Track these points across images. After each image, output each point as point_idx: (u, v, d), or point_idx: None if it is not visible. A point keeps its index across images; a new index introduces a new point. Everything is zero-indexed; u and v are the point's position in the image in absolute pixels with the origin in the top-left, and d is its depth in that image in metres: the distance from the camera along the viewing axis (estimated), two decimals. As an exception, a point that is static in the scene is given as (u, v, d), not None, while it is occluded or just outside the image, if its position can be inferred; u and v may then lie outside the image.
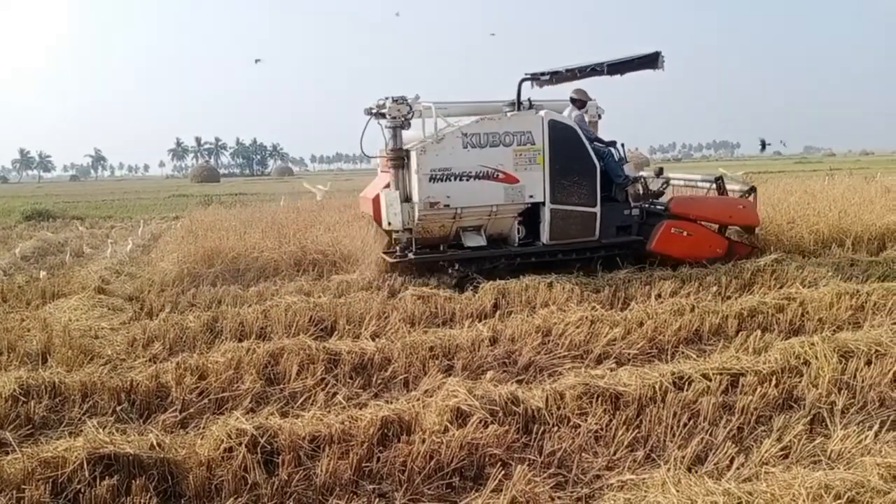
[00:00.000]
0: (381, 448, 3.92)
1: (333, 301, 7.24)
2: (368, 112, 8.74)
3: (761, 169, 43.80)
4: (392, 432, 4.06)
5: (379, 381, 5.09)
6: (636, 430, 4.09)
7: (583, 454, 3.90)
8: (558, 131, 8.53)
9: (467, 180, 8.28)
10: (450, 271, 8.57)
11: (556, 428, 4.14)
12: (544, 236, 8.73)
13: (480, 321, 6.42)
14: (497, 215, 8.61)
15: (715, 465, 3.70)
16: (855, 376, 4.75)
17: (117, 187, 58.06)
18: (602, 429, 4.13)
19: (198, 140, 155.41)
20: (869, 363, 4.95)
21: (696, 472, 3.59)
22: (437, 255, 8.62)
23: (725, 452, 3.77)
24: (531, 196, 8.56)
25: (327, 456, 3.75)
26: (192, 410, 4.62)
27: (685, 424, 4.11)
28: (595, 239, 8.91)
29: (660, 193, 9.66)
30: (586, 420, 4.18)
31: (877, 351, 5.12)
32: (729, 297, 7.20)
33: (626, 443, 3.95)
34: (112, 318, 7.30)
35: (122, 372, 5.32)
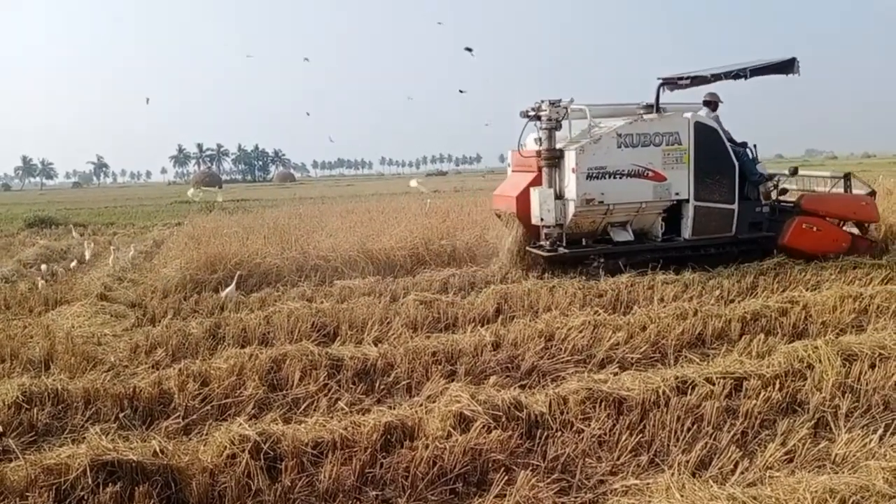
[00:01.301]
0: (384, 454, 3.91)
1: (336, 306, 7.24)
2: (525, 115, 9.26)
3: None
4: (395, 438, 4.05)
5: (382, 387, 5.08)
6: (640, 435, 4.07)
7: (586, 459, 3.88)
8: (702, 132, 9.06)
9: (620, 178, 8.77)
10: (594, 265, 8.91)
11: (559, 433, 4.13)
12: (686, 232, 9.22)
13: (483, 326, 6.42)
14: (644, 211, 9.12)
15: (719, 469, 3.69)
16: (859, 380, 4.73)
17: (119, 194, 58.17)
18: (605, 433, 4.12)
19: (199, 146, 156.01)
20: (873, 366, 4.93)
21: (701, 476, 3.57)
22: (588, 250, 9.07)
23: (730, 457, 3.76)
24: (677, 193, 9.06)
25: (330, 462, 3.75)
26: (194, 417, 4.62)
27: (689, 429, 4.10)
28: (731, 235, 9.41)
29: (784, 191, 10.12)
30: (590, 425, 4.17)
31: (880, 354, 5.10)
32: (732, 301, 7.20)
33: (629, 447, 3.94)
34: (115, 324, 7.30)
35: (124, 379, 5.32)
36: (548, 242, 9.00)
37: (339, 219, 13.96)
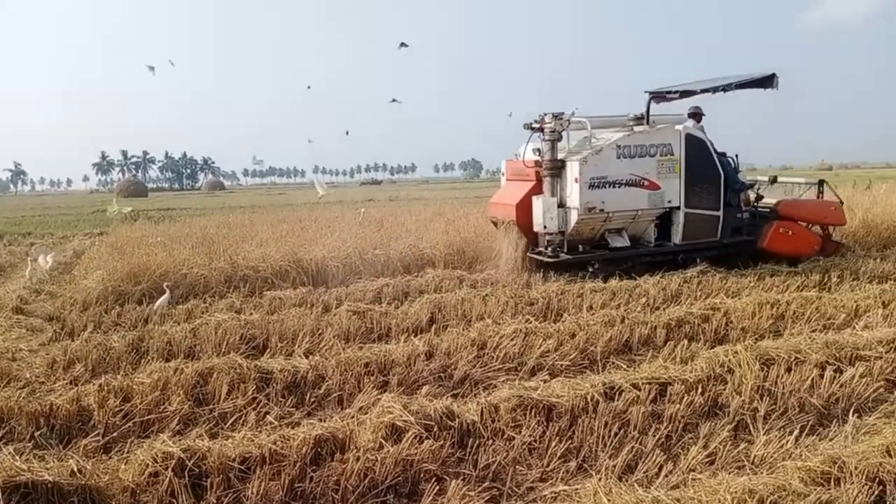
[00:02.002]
0: (314, 467, 3.85)
1: (265, 318, 7.11)
2: (528, 127, 9.67)
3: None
4: (326, 451, 4.00)
5: (312, 400, 5.01)
6: (569, 441, 4.14)
7: (517, 466, 3.92)
8: (693, 143, 9.69)
9: (619, 187, 9.30)
10: (590, 269, 9.43)
11: (490, 441, 4.16)
12: (677, 237, 9.83)
13: (416, 336, 6.41)
14: (639, 218, 9.67)
15: (645, 473, 3.78)
16: (776, 383, 4.93)
17: (38, 202, 55.70)
18: (536, 440, 4.16)
19: (124, 153, 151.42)
20: (789, 370, 5.14)
21: (627, 480, 3.66)
22: (588, 255, 9.55)
23: (654, 460, 3.86)
24: (669, 201, 9.63)
25: (258, 477, 3.67)
26: (115, 434, 4.45)
27: (616, 434, 4.19)
28: (717, 239, 10.07)
29: (760, 197, 10.89)
30: (520, 432, 4.21)
31: (796, 358, 5.33)
32: (657, 308, 7.40)
33: (559, 454, 4.00)
34: (31, 339, 6.99)
35: (41, 395, 5.09)
36: (549, 249, 9.40)
37: (270, 228, 13.74)
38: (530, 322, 6.66)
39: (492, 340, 6.00)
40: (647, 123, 9.83)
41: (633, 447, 4.03)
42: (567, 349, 5.86)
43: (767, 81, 10.00)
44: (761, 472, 3.66)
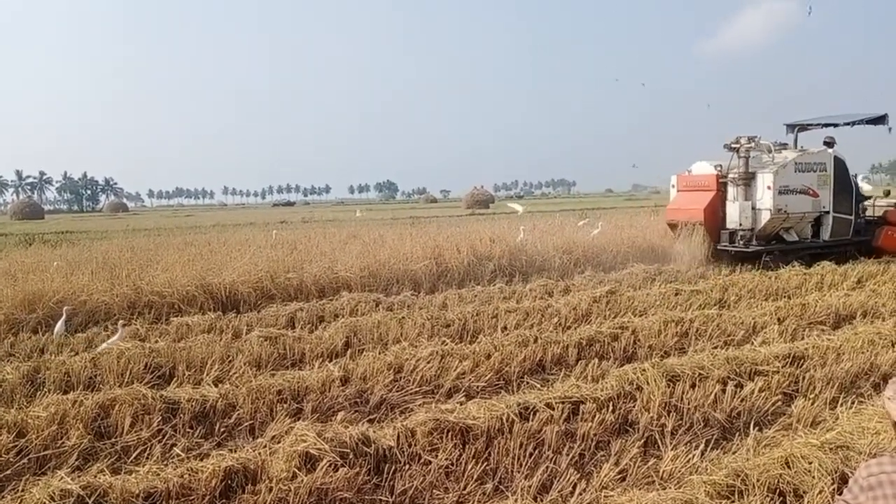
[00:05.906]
0: (224, 501, 3.71)
1: (172, 345, 6.83)
2: (727, 147, 12.64)
3: (596, 205, 47.00)
4: (236, 483, 3.86)
5: (222, 430, 4.84)
6: (485, 463, 4.15)
7: (434, 491, 3.90)
8: (838, 163, 13.03)
9: (795, 194, 12.43)
10: (764, 258, 12.36)
11: (407, 466, 4.12)
12: (825, 234, 13.17)
13: (331, 361, 6.31)
14: (804, 219, 12.92)
15: (559, 492, 3.83)
16: (682, 399, 5.10)
17: (-80, 225, 51.86)
18: (452, 464, 4.15)
19: (19, 174, 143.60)
20: (693, 386, 5.34)
21: (542, 500, 3.70)
22: (772, 247, 12.59)
23: (568, 479, 3.92)
24: (824, 206, 12.91)
25: (164, 514, 3.50)
26: (9, 472, 4.17)
27: (531, 454, 4.23)
28: (849, 238, 13.40)
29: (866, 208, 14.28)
30: (437, 456, 4.19)
31: (700, 374, 5.54)
32: (569, 328, 7.56)
33: (475, 476, 4.00)
34: None
35: (-80, 435, 4.69)
36: (741, 242, 12.40)
37: (177, 252, 13.26)
38: (447, 344, 6.66)
39: (408, 363, 5.97)
40: (795, 147, 13.30)
41: (547, 467, 4.07)
42: (483, 370, 5.90)
43: (881, 120, 13.39)
44: (670, 487, 3.77)
